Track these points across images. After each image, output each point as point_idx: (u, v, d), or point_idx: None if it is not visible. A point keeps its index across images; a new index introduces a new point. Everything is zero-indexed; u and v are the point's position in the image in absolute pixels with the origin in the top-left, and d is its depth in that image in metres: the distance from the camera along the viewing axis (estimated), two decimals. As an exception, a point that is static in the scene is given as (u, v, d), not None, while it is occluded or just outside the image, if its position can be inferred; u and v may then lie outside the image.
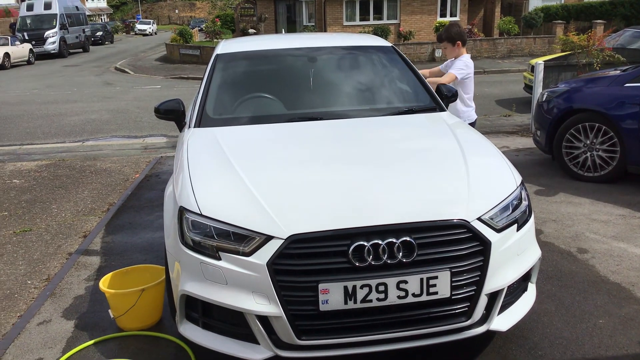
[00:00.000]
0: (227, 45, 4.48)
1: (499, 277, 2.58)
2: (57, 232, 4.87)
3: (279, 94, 3.96)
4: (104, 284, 3.25)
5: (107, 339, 3.16)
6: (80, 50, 31.26)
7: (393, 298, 2.43)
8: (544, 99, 6.23)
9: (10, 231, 4.91)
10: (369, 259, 2.41)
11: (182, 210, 2.69)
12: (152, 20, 61.28)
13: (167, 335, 3.15)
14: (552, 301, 3.40)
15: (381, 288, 2.41)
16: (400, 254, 2.42)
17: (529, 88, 9.96)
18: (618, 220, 4.65)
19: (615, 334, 3.04)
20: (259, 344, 2.54)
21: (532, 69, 9.06)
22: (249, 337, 2.55)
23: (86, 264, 4.15)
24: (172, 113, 3.89)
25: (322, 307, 2.40)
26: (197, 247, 2.59)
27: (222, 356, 2.66)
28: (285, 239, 2.41)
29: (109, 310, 3.21)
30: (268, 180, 2.80)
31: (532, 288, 2.95)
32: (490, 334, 2.85)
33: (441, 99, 4.04)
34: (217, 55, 4.24)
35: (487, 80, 15.08)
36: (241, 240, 2.49)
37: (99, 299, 3.57)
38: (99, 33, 38.60)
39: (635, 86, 5.30)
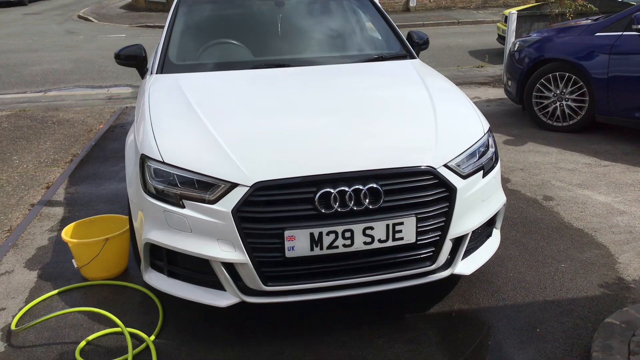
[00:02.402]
0: (191, -12, 4.28)
1: (463, 223, 2.60)
2: (18, 183, 4.73)
3: (245, 40, 3.82)
4: (66, 233, 3.17)
5: (72, 289, 3.11)
6: (41, -3, 29.78)
7: (359, 244, 2.43)
8: (515, 48, 6.19)
9: (-31, 183, 4.75)
10: (335, 206, 2.39)
11: (144, 158, 2.62)
12: (117, -34, 58.53)
13: (132, 284, 3.12)
14: (517, 247, 3.46)
15: (347, 234, 2.41)
16: (367, 200, 2.41)
17: (502, 39, 9.89)
18: (584, 168, 4.72)
19: (576, 277, 3.13)
20: (225, 290, 2.53)
21: (506, 19, 8.97)
22: (215, 284, 2.55)
23: (49, 215, 4.06)
24: (134, 59, 3.74)
25: (288, 254, 2.39)
26: (160, 196, 2.53)
27: (188, 303, 2.65)
28: (250, 186, 2.37)
29: (73, 260, 3.16)
30: (232, 127, 2.73)
31: (496, 233, 2.99)
32: (454, 278, 2.91)
33: (412, 46, 3.96)
34: (180, -3, 4.06)
35: (461, 31, 14.95)
36: (205, 188, 2.44)
37: (62, 249, 3.50)
38: (61, -21, 36.73)
39: (605, 35, 5.29)
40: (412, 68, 3.61)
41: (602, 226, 3.71)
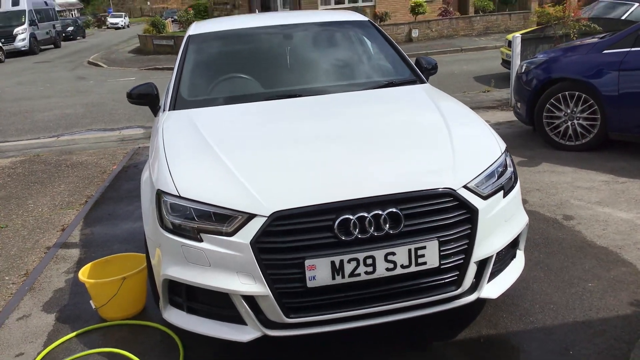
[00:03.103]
0: (200, 26, 4.36)
1: (487, 245, 2.54)
2: (34, 227, 4.73)
3: (255, 73, 3.86)
4: (83, 274, 3.14)
5: (90, 330, 3.06)
6: (52, 46, 30.54)
7: (381, 270, 2.38)
8: (522, 70, 6.20)
9: (-15, 229, 4.76)
10: (355, 233, 2.35)
11: (159, 194, 2.60)
12: (124, 14, 60.22)
13: (151, 322, 3.07)
14: (541, 268, 3.38)
15: (369, 261, 2.36)
16: (387, 225, 2.36)
17: (506, 63, 9.95)
18: (601, 186, 4.65)
19: (605, 296, 3.04)
20: (246, 324, 2.47)
21: (509, 44, 9.04)
22: (236, 319, 2.49)
23: (65, 257, 4.04)
24: (145, 97, 3.78)
25: (310, 284, 2.34)
26: (177, 230, 2.51)
27: (209, 340, 2.59)
28: (268, 217, 2.34)
29: (91, 301, 3.12)
30: (247, 158, 2.72)
31: (520, 255, 2.92)
32: (480, 302, 2.83)
33: (421, 71, 3.97)
34: (190, 36, 4.13)
35: (464, 58, 15.09)
36: (223, 220, 2.41)
37: (79, 291, 3.46)
38: (70, 28, 37.78)
39: (613, 52, 5.29)
40: (423, 92, 3.61)
41: (627, 243, 3.62)
